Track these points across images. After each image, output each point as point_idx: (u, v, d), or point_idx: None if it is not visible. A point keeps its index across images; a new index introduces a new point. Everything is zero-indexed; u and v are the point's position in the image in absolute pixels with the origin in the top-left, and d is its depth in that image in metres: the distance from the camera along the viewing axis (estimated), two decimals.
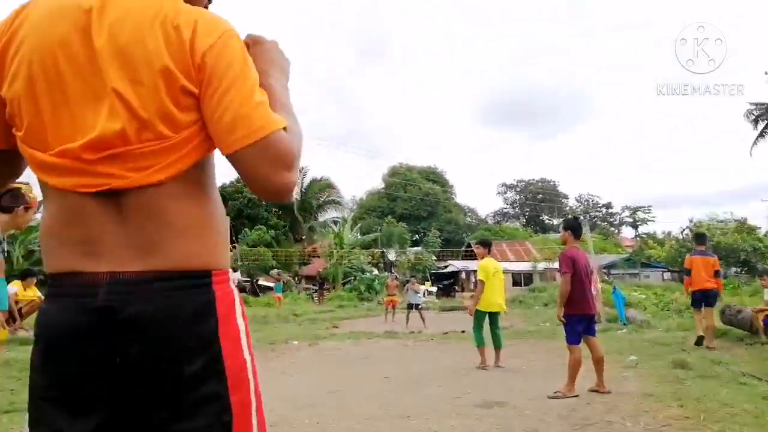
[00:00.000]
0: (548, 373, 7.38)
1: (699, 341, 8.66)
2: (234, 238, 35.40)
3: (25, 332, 9.81)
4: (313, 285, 38.47)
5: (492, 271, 8.52)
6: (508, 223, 70.02)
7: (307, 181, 45.71)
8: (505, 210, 74.67)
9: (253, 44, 1.20)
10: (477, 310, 8.32)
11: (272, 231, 36.56)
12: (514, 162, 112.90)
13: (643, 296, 22.81)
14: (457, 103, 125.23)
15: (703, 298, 8.95)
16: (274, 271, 28.94)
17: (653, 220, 53.30)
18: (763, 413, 4.55)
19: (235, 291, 1.11)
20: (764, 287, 8.63)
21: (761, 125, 41.39)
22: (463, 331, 13.54)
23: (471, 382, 6.94)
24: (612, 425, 4.41)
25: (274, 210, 43.34)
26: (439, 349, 11.24)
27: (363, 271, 35.09)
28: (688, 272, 9.32)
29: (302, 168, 45.95)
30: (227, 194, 43.16)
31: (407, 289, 18.93)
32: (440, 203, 62.38)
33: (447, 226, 61.52)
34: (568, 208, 74.26)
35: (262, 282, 37.88)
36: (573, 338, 5.86)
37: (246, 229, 36.13)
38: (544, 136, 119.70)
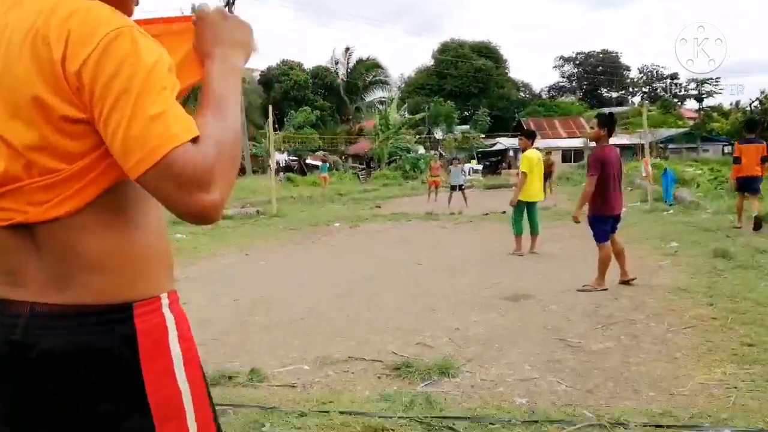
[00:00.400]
0: (582, 261, 7.34)
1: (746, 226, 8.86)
2: (279, 120, 35.57)
3: None
4: (360, 164, 38.86)
5: (535, 162, 8.49)
6: (563, 97, 66.72)
7: (353, 61, 44.51)
8: (562, 84, 70.89)
9: (197, 21, 1.02)
10: (518, 200, 8.34)
11: (318, 112, 36.30)
12: (573, 33, 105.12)
13: (699, 172, 21.83)
14: None
15: (747, 184, 9.12)
16: (320, 152, 29.22)
17: (720, 93, 49.54)
18: None
19: (171, 317, 1.01)
20: None
21: None
22: (503, 212, 13.48)
23: (503, 270, 7.01)
24: (635, 324, 4.39)
25: (320, 91, 42.82)
26: (478, 231, 11.33)
27: (408, 151, 34.94)
28: (738, 160, 9.45)
29: (348, 48, 44.58)
30: (273, 77, 42.78)
31: (451, 170, 18.82)
32: (492, 79, 59.44)
33: (498, 102, 59.35)
34: (629, 80, 69.81)
35: (309, 161, 38.62)
36: (602, 236, 5.80)
37: (292, 111, 36.04)
38: (607, 3, 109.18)
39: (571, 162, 33.50)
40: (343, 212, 15.92)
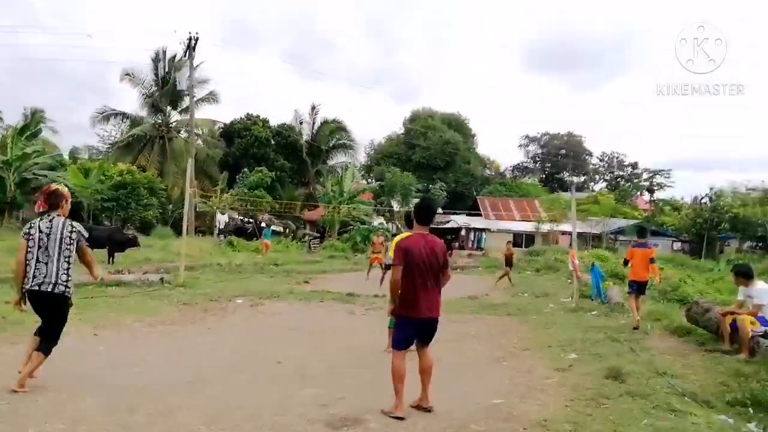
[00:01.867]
0: (461, 370, 6.51)
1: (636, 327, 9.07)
2: (233, 178, 34.83)
3: None
4: (316, 231, 37.88)
5: None
6: (526, 178, 67.84)
7: (319, 121, 44.27)
8: (525, 164, 72.35)
9: None
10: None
11: (276, 172, 35.62)
12: (543, 114, 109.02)
13: None
14: (493, 48, 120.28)
15: (636, 287, 9.82)
16: (265, 216, 28.30)
17: (672, 186, 51.13)
18: None
19: None
20: (738, 285, 7.43)
21: None
22: None
23: (361, 380, 6.06)
24: None
25: (283, 151, 42.30)
26: (384, 320, 10.36)
27: (363, 222, 34.26)
28: (627, 262, 10.23)
29: (314, 107, 44.54)
30: (235, 131, 42.34)
31: (387, 246, 17.91)
32: (459, 153, 60.00)
33: (463, 177, 59.71)
34: (591, 166, 71.66)
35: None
36: (397, 342, 4.86)
37: (245, 169, 35.31)
38: (581, 88, 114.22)
39: (522, 246, 33.20)
40: (261, 286, 14.84)
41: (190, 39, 29.54)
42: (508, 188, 55.64)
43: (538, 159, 71.91)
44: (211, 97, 37.60)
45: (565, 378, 6.27)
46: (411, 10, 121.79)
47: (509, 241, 21.80)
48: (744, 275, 7.30)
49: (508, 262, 19.20)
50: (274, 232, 32.21)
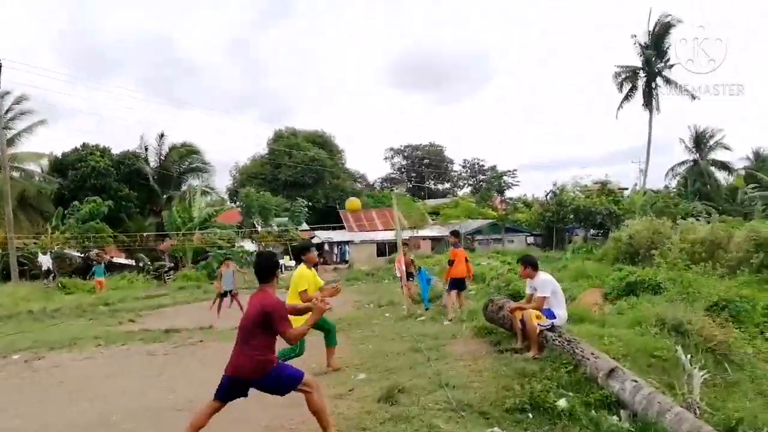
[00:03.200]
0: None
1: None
2: (64, 213, 31.21)
3: None
4: (169, 263, 35.12)
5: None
6: (394, 188, 69.04)
7: (166, 147, 41.46)
8: (393, 175, 73.68)
9: None
10: None
11: (110, 203, 32.37)
12: (408, 127, 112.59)
13: (488, 264, 21.97)
14: (358, 68, 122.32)
15: (458, 284, 10.92)
16: (93, 252, 25.41)
17: (518, 185, 54.65)
18: None
19: None
20: (524, 278, 7.15)
21: (626, 88, 42.64)
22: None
23: None
24: None
25: (129, 180, 38.91)
26: (182, 362, 9.10)
27: (220, 247, 32.20)
28: (452, 262, 10.92)
29: (162, 134, 41.68)
30: (69, 162, 38.28)
31: (220, 273, 16.39)
32: (327, 169, 59.58)
33: (333, 192, 59.44)
34: (453, 173, 74.69)
35: (116, 260, 34.14)
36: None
37: (76, 202, 31.77)
38: (443, 101, 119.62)
39: (386, 255, 33.14)
40: (66, 334, 12.76)
41: None
42: (376, 200, 56.09)
43: (403, 170, 73.54)
44: (35, 127, 33.57)
45: (336, 405, 5.50)
46: (273, 30, 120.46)
47: (405, 243, 15.60)
48: (529, 265, 6.96)
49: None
50: (112, 267, 29.22)
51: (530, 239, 39.19)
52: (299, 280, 6.96)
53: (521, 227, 39.61)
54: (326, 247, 36.55)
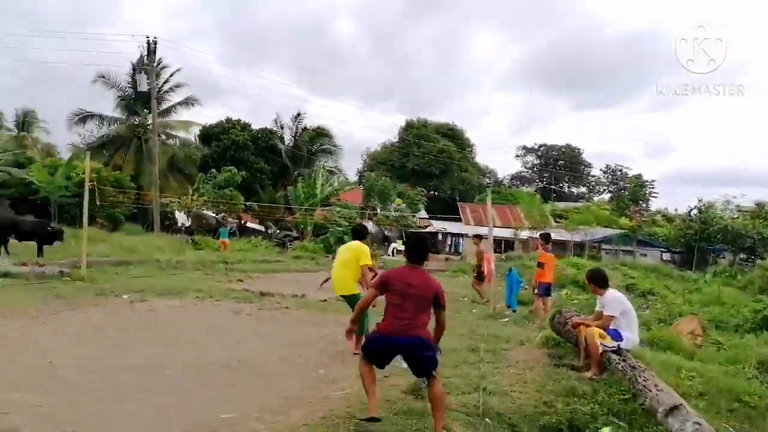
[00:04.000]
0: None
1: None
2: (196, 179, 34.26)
3: None
4: (295, 233, 37.23)
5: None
6: (524, 187, 66.72)
7: (300, 128, 43.85)
8: (523, 174, 71.16)
9: None
10: None
11: (244, 173, 34.91)
12: (553, 127, 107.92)
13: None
14: (500, 63, 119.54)
15: (549, 289, 10.89)
16: (220, 215, 27.53)
17: (656, 196, 50.05)
18: None
19: None
20: (594, 294, 6.41)
21: None
22: (324, 300, 11.93)
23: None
24: None
25: (266, 154, 41.78)
26: (260, 323, 9.51)
27: (339, 225, 33.43)
28: (541, 265, 10.80)
29: (299, 114, 44.07)
30: (212, 134, 41.89)
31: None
32: (455, 162, 59.31)
33: (460, 185, 59.15)
34: (592, 177, 70.31)
35: (250, 224, 37.05)
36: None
37: (213, 169, 34.68)
38: (592, 105, 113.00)
39: (501, 252, 32.12)
40: (177, 284, 13.98)
41: (148, 43, 29.16)
42: (502, 197, 54.71)
43: (536, 169, 70.72)
44: (190, 101, 37.23)
45: (360, 389, 5.35)
46: (419, 22, 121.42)
47: (477, 235, 16.31)
48: (595, 281, 6.24)
49: (479, 271, 14.14)
50: (245, 231, 31.51)
51: (666, 255, 35.71)
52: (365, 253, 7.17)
53: (656, 241, 36.23)
54: (440, 236, 36.34)
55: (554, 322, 7.14)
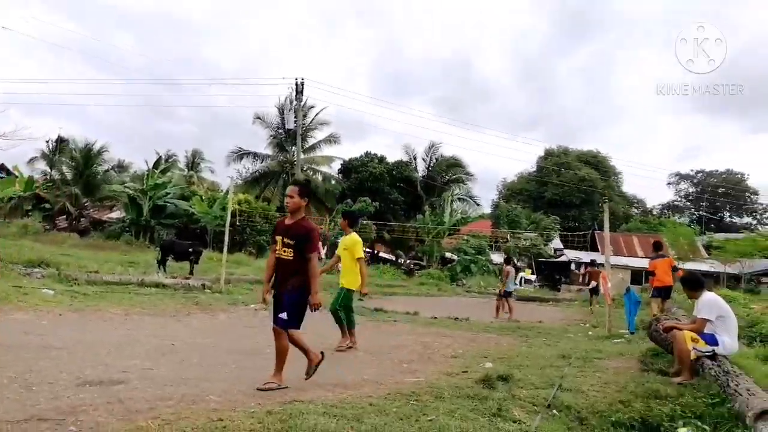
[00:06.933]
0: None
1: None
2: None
3: None
4: (424, 261, 37.92)
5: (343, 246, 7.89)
6: (675, 216, 61.11)
7: (435, 158, 44.88)
8: (676, 202, 65.28)
9: None
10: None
11: (390, 205, 36.63)
12: (704, 153, 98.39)
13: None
14: (650, 88, 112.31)
15: (663, 292, 11.58)
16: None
17: None
18: None
19: None
20: (690, 300, 5.94)
21: None
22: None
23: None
24: None
25: (399, 185, 43.35)
26: (364, 330, 10.00)
27: (465, 252, 33.44)
28: (653, 273, 11.86)
29: (432, 145, 45.33)
30: (353, 167, 44.37)
31: (506, 272, 15.99)
32: (597, 190, 56.36)
33: (603, 215, 55.91)
34: (758, 205, 62.45)
35: (382, 254, 38.63)
36: None
37: (349, 200, 36.71)
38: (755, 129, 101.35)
39: (641, 283, 29.73)
40: None
41: (296, 84, 32.06)
42: (650, 226, 50.72)
43: (691, 197, 64.54)
44: (332, 139, 40.32)
45: (437, 379, 5.58)
46: (566, 53, 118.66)
47: (592, 261, 21.69)
48: (690, 285, 5.84)
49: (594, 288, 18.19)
50: (377, 260, 32.77)
51: None
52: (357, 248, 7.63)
53: None
54: (573, 266, 34.60)
55: (651, 329, 6.74)
